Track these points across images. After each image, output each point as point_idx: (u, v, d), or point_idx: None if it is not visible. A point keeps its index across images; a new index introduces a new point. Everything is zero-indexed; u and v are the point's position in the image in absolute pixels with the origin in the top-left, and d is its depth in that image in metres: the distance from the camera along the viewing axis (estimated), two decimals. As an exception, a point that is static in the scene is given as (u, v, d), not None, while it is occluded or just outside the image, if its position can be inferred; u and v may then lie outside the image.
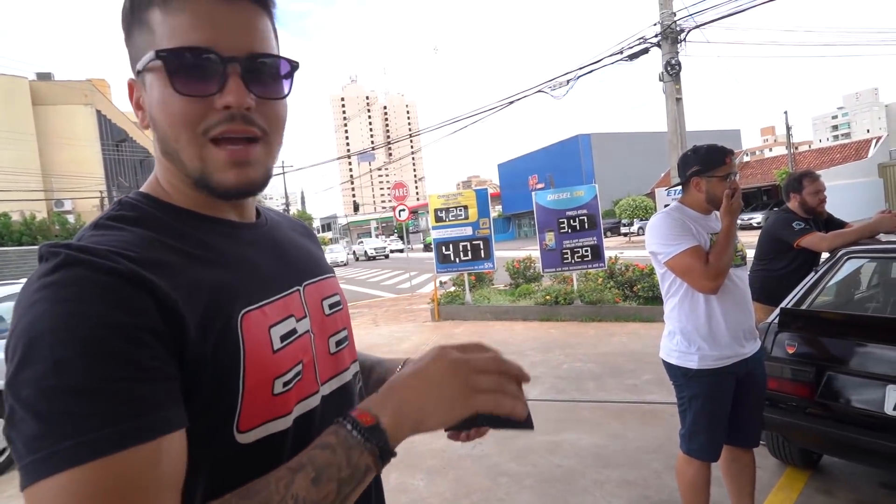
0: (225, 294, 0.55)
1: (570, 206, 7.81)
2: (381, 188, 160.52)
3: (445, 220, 8.49)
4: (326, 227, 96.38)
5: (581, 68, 12.40)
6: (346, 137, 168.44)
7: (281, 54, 0.60)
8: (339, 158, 55.17)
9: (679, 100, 10.48)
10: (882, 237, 2.91)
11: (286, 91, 0.60)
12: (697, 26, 10.63)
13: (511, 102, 13.42)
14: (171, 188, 0.61)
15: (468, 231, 8.40)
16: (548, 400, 4.35)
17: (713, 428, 2.06)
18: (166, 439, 0.45)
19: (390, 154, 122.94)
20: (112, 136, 31.38)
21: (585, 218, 7.77)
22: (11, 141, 25.58)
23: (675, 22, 10.41)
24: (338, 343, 0.70)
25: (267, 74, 0.58)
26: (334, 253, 32.67)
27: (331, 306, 0.71)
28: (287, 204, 48.78)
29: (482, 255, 8.42)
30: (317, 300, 0.68)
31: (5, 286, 6.36)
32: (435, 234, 8.59)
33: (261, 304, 0.58)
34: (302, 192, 63.44)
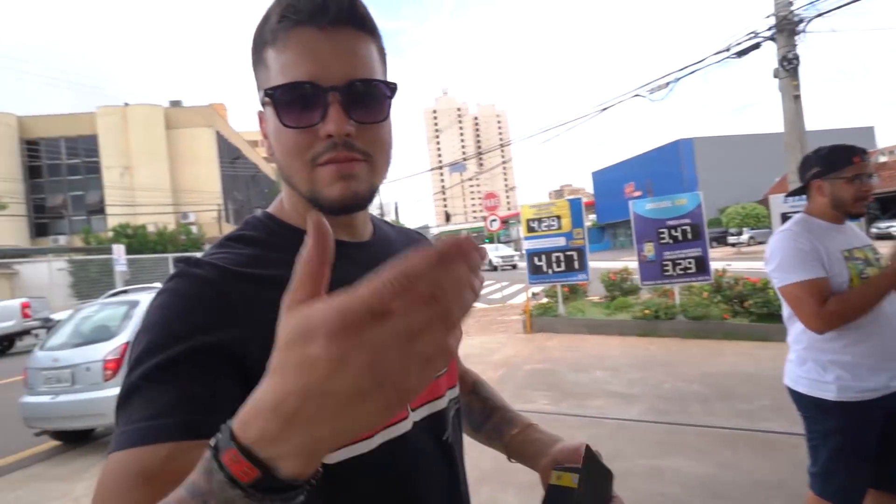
0: None
1: (672, 216, 7.38)
2: (472, 198, 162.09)
3: (538, 230, 8.36)
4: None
5: (683, 69, 11.74)
6: (438, 149, 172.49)
7: (382, 78, 0.61)
8: (431, 170, 56.61)
9: (797, 97, 9.56)
10: None
11: (386, 114, 0.61)
12: (819, 14, 9.67)
13: (605, 109, 12.99)
14: (292, 209, 0.66)
15: (561, 241, 8.21)
16: (648, 421, 4.10)
17: (854, 469, 1.80)
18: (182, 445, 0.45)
19: (481, 164, 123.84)
20: (228, 155, 34.64)
21: (689, 227, 7.30)
22: (148, 162, 29.11)
23: (791, 12, 9.53)
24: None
25: (368, 99, 0.59)
26: None
27: None
28: (382, 214, 50.70)
29: (576, 267, 8.18)
30: None
31: (141, 290, 7.27)
32: (527, 245, 8.50)
33: None
34: (396, 203, 66.04)
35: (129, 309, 5.10)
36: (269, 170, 37.98)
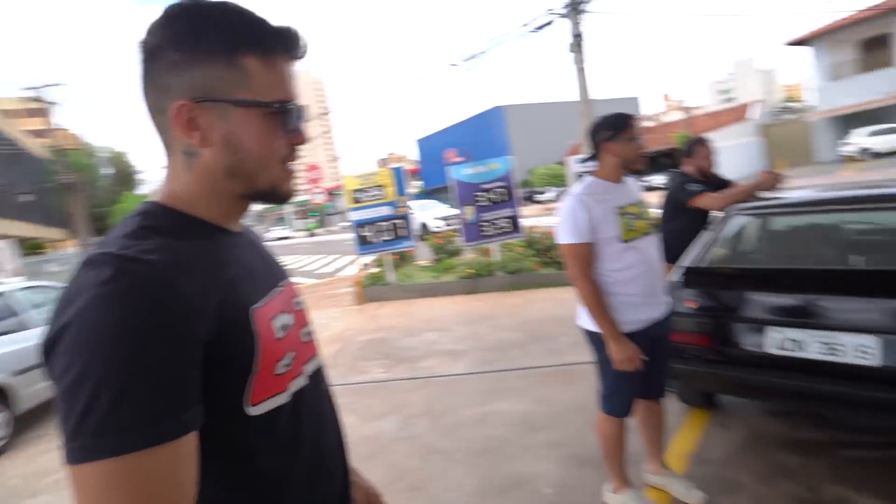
0: (239, 291, 0.68)
1: (487, 180, 7.91)
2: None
3: (363, 201, 8.31)
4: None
5: (493, 39, 12.48)
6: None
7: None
8: (248, 141, 52.05)
9: (582, 70, 10.85)
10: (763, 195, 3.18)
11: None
12: (597, -3, 10.96)
13: (422, 77, 13.27)
14: (194, 200, 0.70)
15: (386, 210, 8.29)
16: (476, 373, 4.43)
17: (630, 388, 2.18)
18: (184, 441, 0.55)
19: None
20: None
21: (502, 190, 7.91)
22: None
23: (577, -7, 10.66)
24: (307, 334, 0.83)
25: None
26: None
27: (297, 304, 0.83)
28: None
29: (402, 234, 8.36)
30: (290, 298, 0.81)
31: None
32: (354, 216, 8.40)
33: (265, 299, 0.72)
34: None
35: None
36: (39, 144, 30.96)
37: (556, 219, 2.20)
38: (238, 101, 0.66)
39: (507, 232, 8.00)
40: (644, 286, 2.13)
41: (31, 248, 30.77)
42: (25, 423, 4.67)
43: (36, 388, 4.70)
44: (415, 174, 52.50)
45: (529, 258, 8.24)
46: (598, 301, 2.06)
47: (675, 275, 2.77)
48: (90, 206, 33.33)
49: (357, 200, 8.32)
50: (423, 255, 10.13)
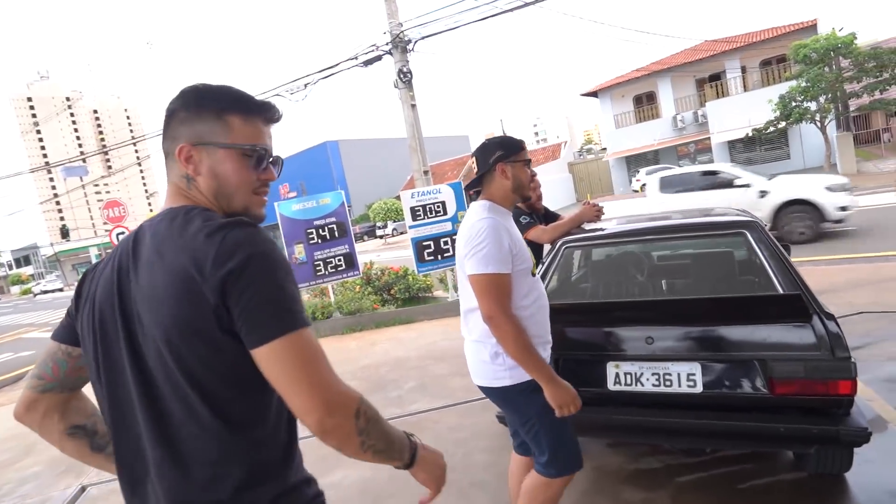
0: None
1: (318, 216, 7.39)
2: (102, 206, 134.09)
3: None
4: (23, 260, 76.43)
5: (320, 71, 12.12)
6: (42, 147, 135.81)
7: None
8: (33, 171, 43.90)
9: (414, 106, 11.01)
10: (586, 226, 3.26)
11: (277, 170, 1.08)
12: (423, 38, 11.34)
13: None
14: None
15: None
16: (305, 437, 3.83)
17: (573, 433, 1.88)
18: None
19: (109, 166, 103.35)
20: None
21: (335, 226, 7.45)
22: None
23: (402, 32, 10.88)
24: None
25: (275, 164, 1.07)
26: None
27: None
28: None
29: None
30: None
31: None
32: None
33: None
34: None
35: None
36: None
37: (465, 244, 1.82)
38: (221, 144, 0.97)
39: (342, 270, 7.53)
40: (544, 324, 1.90)
41: None
42: None
43: None
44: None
45: (368, 296, 7.87)
46: (527, 340, 1.71)
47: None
48: None
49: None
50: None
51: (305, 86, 12.21)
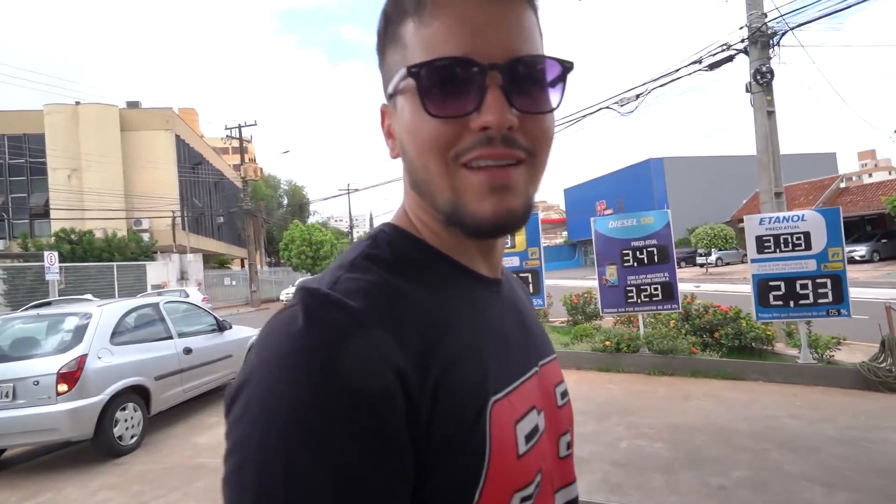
0: (479, 374, 0.46)
1: (637, 236, 6.60)
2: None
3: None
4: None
5: (656, 79, 11.20)
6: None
7: (549, 55, 0.48)
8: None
9: (771, 113, 9.02)
10: None
11: (557, 102, 0.48)
12: (791, 28, 9.21)
13: (574, 122, 12.35)
14: (421, 225, 0.52)
15: (515, 262, 7.35)
16: (596, 503, 3.18)
17: None
18: None
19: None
20: (189, 160, 33.05)
21: (656, 249, 6.53)
22: (100, 164, 27.46)
23: (765, 24, 9.03)
24: (567, 445, 0.59)
25: (533, 82, 0.46)
26: None
27: (562, 395, 0.60)
28: (351, 228, 48.80)
29: (531, 290, 7.34)
30: (550, 387, 0.57)
31: (83, 302, 7.27)
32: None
33: (508, 390, 0.48)
34: (371, 214, 57.94)
35: (61, 322, 4.89)
36: (235, 175, 36.18)
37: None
38: (394, 88, 0.48)
39: (658, 301, 6.55)
40: None
41: (218, 262, 35.73)
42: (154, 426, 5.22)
43: (169, 394, 5.17)
44: (559, 224, 51.22)
45: (685, 336, 6.65)
46: None
47: None
48: (266, 231, 38.21)
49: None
50: (557, 311, 8.94)
51: (637, 97, 11.47)
